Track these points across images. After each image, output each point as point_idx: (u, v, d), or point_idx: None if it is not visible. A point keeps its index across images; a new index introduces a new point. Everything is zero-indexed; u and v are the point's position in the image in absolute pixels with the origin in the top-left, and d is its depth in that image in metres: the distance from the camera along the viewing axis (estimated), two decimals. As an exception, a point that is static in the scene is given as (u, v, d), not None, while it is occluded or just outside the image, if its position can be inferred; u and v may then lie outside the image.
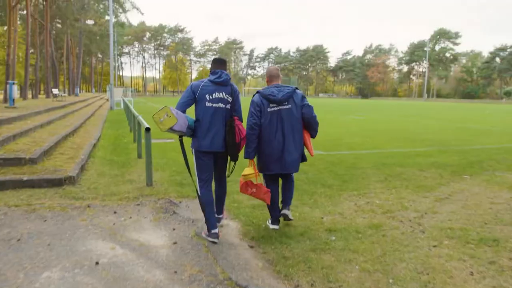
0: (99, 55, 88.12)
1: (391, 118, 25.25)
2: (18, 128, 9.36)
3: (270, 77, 4.57)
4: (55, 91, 27.36)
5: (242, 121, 4.42)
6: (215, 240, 4.13)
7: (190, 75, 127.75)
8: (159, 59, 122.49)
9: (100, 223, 4.67)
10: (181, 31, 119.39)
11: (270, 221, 4.69)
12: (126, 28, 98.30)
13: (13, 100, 15.19)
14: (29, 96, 45.02)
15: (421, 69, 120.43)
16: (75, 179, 6.27)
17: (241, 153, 4.43)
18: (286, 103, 4.36)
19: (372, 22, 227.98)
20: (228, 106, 4.28)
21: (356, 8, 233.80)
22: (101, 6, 50.99)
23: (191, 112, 4.19)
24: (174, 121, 3.90)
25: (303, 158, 4.69)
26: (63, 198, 5.64)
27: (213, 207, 4.32)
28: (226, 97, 4.25)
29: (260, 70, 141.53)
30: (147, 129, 6.28)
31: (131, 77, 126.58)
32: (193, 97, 4.18)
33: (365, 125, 18.88)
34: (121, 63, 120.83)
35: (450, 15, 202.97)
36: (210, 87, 4.19)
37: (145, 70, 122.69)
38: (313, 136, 4.72)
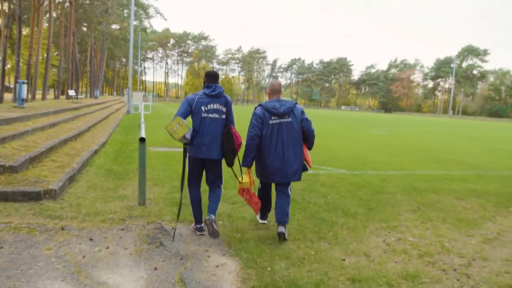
0: (123, 60, 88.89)
1: (416, 134, 23.94)
2: (13, 130, 8.64)
3: (272, 91, 4.83)
4: (71, 92, 26.94)
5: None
6: (202, 233, 4.56)
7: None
8: (182, 65, 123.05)
9: (68, 254, 3.78)
10: (205, 38, 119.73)
11: (259, 216, 5.14)
12: (150, 34, 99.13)
13: (22, 100, 14.62)
14: (51, 96, 45.14)
15: (447, 86, 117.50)
16: (56, 193, 5.41)
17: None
18: (287, 116, 4.62)
19: (397, 36, 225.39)
20: (223, 116, 4.53)
21: (382, 22, 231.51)
22: (126, 11, 51.03)
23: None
24: (186, 129, 4.24)
25: (304, 168, 4.88)
26: (37, 216, 4.79)
27: (199, 205, 4.68)
28: (220, 108, 4.51)
29: (283, 80, 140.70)
30: (141, 139, 5.40)
31: (153, 82, 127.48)
32: (190, 109, 4.44)
33: (390, 142, 17.71)
34: (144, 68, 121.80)
35: (478, 32, 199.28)
36: (205, 100, 4.46)
37: (168, 76, 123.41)
38: (309, 148, 4.97)
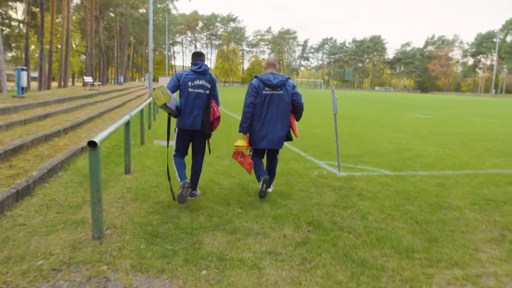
0: (152, 44, 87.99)
1: (464, 117, 21.39)
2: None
3: (268, 65, 5.38)
4: (87, 79, 25.72)
5: (219, 105, 5.06)
6: (182, 192, 4.66)
7: (242, 65, 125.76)
8: (211, 49, 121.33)
9: None
10: (234, 20, 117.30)
11: (258, 180, 5.33)
12: (178, 17, 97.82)
13: (22, 88, 13.25)
14: (79, 83, 44.49)
15: (488, 62, 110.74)
16: (-24, 223, 3.79)
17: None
18: (279, 89, 5.15)
19: (435, 11, 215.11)
20: (208, 91, 4.99)
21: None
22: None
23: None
24: (168, 98, 4.61)
25: (288, 138, 5.40)
26: None
27: (184, 169, 4.97)
28: (205, 84, 4.97)
29: (314, 61, 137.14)
30: (91, 144, 3.65)
31: (183, 66, 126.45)
32: (178, 84, 4.94)
33: (436, 127, 15.45)
34: (174, 52, 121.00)
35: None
36: (191, 76, 4.95)
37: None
38: (297, 119, 5.46)
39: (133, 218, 4.41)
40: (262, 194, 5.18)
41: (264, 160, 5.59)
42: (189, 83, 4.88)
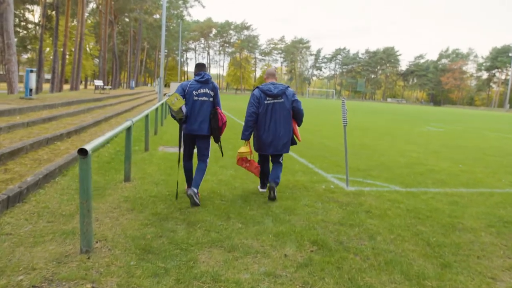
0: (165, 50, 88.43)
1: (477, 132, 20.89)
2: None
3: (268, 75, 5.82)
4: (97, 82, 25.72)
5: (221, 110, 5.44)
6: (191, 195, 5.05)
7: (254, 73, 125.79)
8: (224, 56, 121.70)
9: None
10: (247, 28, 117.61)
11: (260, 186, 6.06)
12: (192, 24, 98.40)
13: (30, 90, 13.18)
14: (92, 87, 44.63)
15: (503, 77, 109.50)
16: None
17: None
18: (280, 97, 5.52)
19: (449, 25, 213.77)
20: (211, 99, 5.33)
21: (433, 9, 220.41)
22: (165, -1, 49.80)
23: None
24: (183, 102, 5.05)
25: (293, 142, 5.77)
26: None
27: (191, 173, 5.53)
28: (209, 92, 5.32)
29: (326, 71, 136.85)
30: (81, 152, 3.43)
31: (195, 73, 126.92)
32: (183, 93, 5.29)
33: (449, 141, 15.03)
34: (186, 58, 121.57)
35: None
36: (195, 85, 5.31)
37: (210, 67, 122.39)
38: (298, 124, 5.82)
39: (126, 230, 4.17)
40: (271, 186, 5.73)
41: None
42: (194, 92, 5.24)
